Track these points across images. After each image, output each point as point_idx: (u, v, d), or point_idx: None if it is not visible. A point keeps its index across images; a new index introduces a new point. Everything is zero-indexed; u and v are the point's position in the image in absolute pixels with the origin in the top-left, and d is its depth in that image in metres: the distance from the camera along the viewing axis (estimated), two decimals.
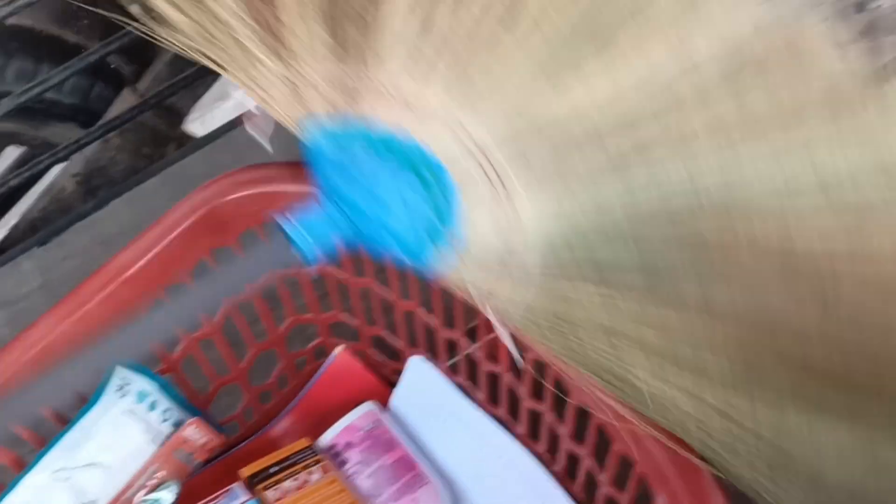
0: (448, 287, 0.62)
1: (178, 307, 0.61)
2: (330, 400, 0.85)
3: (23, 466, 0.71)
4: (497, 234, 0.59)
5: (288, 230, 0.62)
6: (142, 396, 0.74)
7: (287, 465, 0.79)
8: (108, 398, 0.73)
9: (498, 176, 0.59)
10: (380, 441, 0.81)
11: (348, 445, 0.81)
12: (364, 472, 0.80)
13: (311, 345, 0.87)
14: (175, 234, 0.74)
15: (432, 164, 0.61)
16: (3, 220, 1.13)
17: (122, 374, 0.73)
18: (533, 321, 0.59)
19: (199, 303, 0.64)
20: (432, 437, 0.82)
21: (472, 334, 0.75)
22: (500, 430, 0.77)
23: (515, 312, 0.59)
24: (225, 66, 0.64)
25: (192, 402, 0.79)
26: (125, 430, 0.73)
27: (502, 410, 0.78)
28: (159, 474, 0.76)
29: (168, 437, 0.77)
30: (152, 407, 0.75)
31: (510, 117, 0.57)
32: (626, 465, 0.65)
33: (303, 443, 0.81)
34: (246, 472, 0.78)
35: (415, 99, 0.62)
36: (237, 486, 0.77)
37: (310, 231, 0.62)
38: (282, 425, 0.85)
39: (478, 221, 0.60)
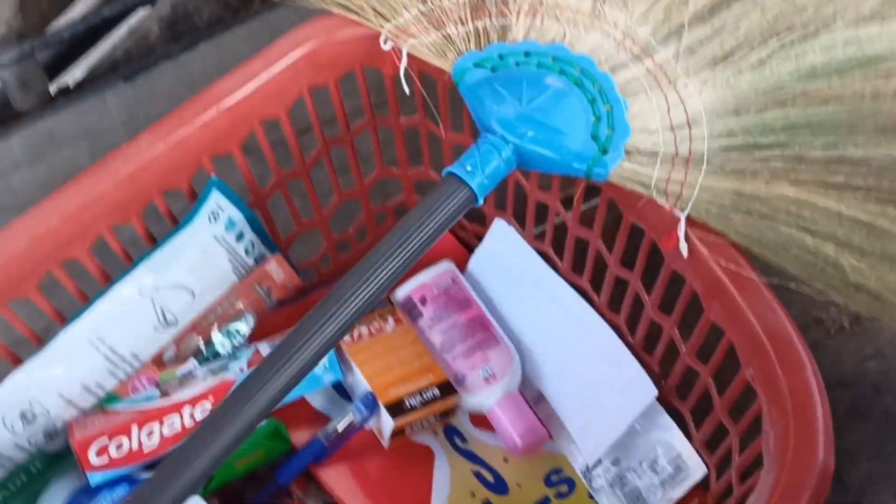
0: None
1: None
2: None
3: (109, 280, 0.72)
4: (663, 124, 0.60)
5: (457, 172, 0.62)
6: (231, 225, 0.75)
7: None
8: (200, 221, 0.73)
9: (661, 69, 0.62)
10: (455, 299, 0.82)
11: (423, 300, 0.81)
12: (437, 328, 0.80)
13: (393, 200, 0.87)
14: (278, 66, 0.73)
15: (596, 72, 0.63)
16: (87, 56, 1.13)
17: (216, 199, 0.73)
18: (709, 202, 0.59)
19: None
20: (508, 302, 0.82)
21: (567, 203, 0.75)
22: (580, 298, 0.77)
23: (690, 197, 0.60)
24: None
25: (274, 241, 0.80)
26: (212, 256, 0.74)
27: (584, 279, 0.78)
28: (238, 305, 0.77)
29: (251, 269, 0.77)
30: (239, 237, 0.76)
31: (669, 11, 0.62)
32: (715, 333, 0.64)
33: None
34: None
35: (573, 10, 0.65)
36: None
37: (476, 168, 0.62)
38: None
39: (645, 116, 0.62)
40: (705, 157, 0.59)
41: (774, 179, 0.58)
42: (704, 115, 0.61)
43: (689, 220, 0.60)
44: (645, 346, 0.75)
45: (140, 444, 0.69)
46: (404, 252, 0.60)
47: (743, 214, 0.59)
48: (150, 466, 0.71)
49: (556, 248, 0.79)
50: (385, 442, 0.76)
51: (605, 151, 0.62)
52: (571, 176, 0.64)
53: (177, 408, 0.70)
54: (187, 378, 0.73)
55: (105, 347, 0.71)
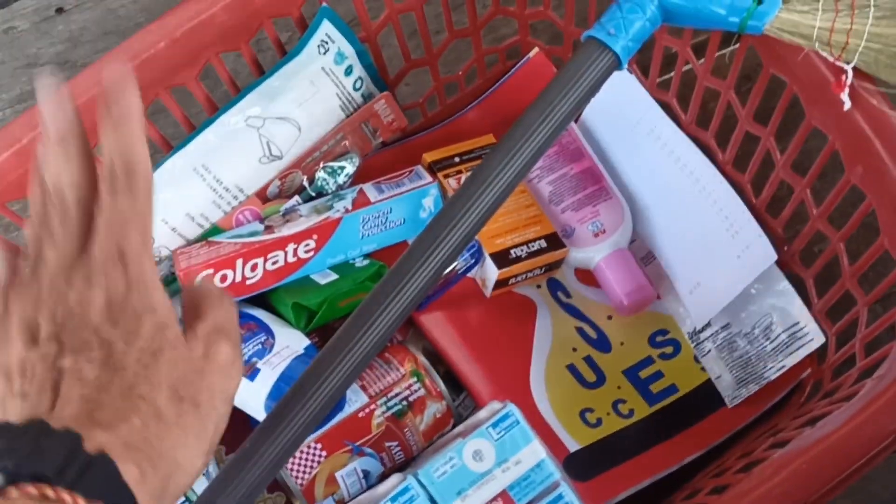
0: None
1: None
2: (518, 101, 0.81)
3: (216, 109, 0.70)
4: None
5: (598, 36, 0.58)
6: (341, 57, 0.72)
7: (470, 158, 0.77)
8: (310, 51, 0.70)
9: None
10: (566, 150, 0.78)
11: None
12: (546, 178, 0.77)
13: (507, 42, 0.82)
14: None
15: None
16: None
17: (326, 29, 0.70)
18: (879, 52, 0.55)
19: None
20: (623, 155, 0.78)
21: (699, 49, 0.69)
22: (702, 154, 0.73)
23: (857, 47, 0.55)
24: None
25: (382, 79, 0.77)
26: (320, 89, 0.71)
27: (709, 135, 0.73)
28: (345, 143, 0.75)
29: (358, 106, 0.75)
30: (348, 72, 0.73)
31: None
32: (852, 197, 0.60)
33: (488, 138, 0.79)
34: (429, 157, 0.76)
35: None
36: (419, 168, 0.75)
37: (619, 31, 0.58)
38: (466, 119, 0.82)
39: None
40: (873, 1, 0.54)
41: None
42: None
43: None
44: (769, 209, 0.71)
45: (244, 277, 0.68)
46: (546, 126, 0.56)
47: None
48: (250, 300, 0.70)
49: (681, 99, 0.74)
50: (487, 292, 0.74)
51: (760, 1, 0.57)
52: (723, 30, 0.59)
53: (281, 244, 0.69)
54: (291, 215, 0.71)
55: (210, 177, 0.69)
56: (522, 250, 0.73)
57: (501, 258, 0.72)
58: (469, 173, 0.75)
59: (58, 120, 0.38)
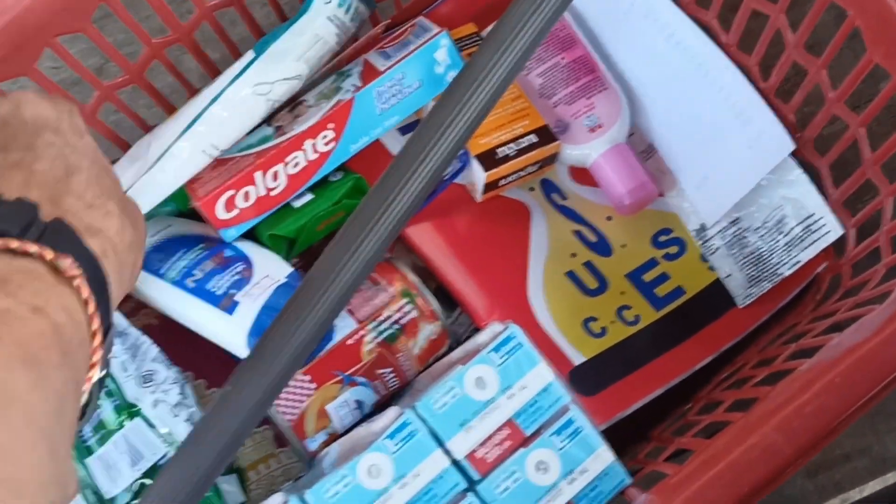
0: None
1: None
2: None
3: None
4: None
5: None
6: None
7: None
8: (317, 5, 0.63)
9: None
10: (557, 37, 0.72)
11: None
12: (536, 70, 0.71)
13: None
14: None
15: None
16: None
17: None
18: None
19: None
20: (618, 41, 0.71)
21: None
22: (705, 36, 0.67)
23: None
24: None
25: None
26: (325, 37, 0.63)
27: (711, 14, 0.67)
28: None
29: (349, 31, 0.67)
30: (348, 9, 0.65)
31: None
32: (872, 79, 0.55)
33: (470, 27, 0.72)
34: None
35: None
36: (422, 20, 0.68)
37: None
38: (444, 9, 0.75)
39: None
40: None
41: None
42: None
43: None
44: (779, 93, 0.65)
45: (268, 189, 0.63)
46: (537, 18, 0.49)
47: None
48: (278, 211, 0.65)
49: None
50: (477, 196, 0.69)
51: None
52: None
53: (297, 143, 0.62)
54: (298, 108, 0.65)
55: (217, 152, 0.63)
56: (511, 148, 0.67)
57: (488, 159, 0.67)
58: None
59: None
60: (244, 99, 0.62)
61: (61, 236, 0.37)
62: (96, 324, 0.37)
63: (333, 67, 0.69)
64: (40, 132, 0.42)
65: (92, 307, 0.37)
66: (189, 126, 0.61)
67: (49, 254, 0.35)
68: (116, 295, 0.40)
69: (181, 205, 0.67)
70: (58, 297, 0.35)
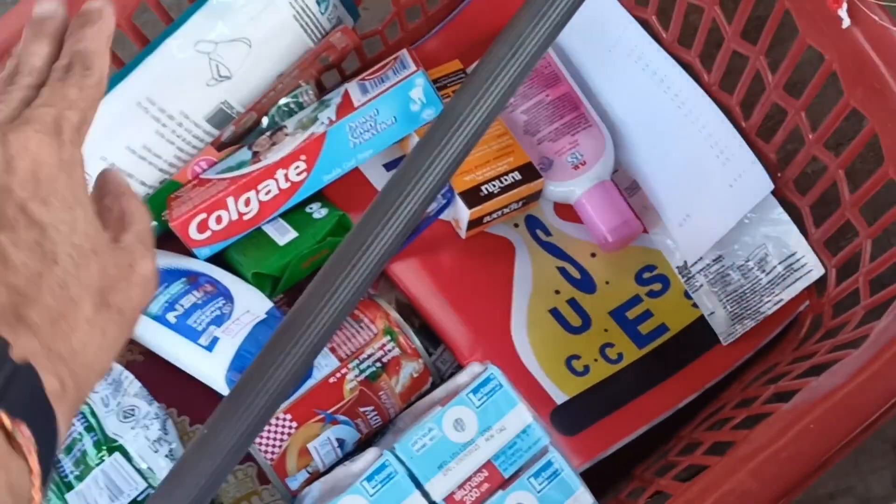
0: None
1: None
2: (483, 25, 0.75)
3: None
4: None
5: None
6: None
7: (440, 86, 0.71)
8: None
9: None
10: (541, 74, 0.72)
11: None
12: (521, 107, 0.71)
13: None
14: None
15: None
16: None
17: None
18: None
19: None
20: (603, 79, 0.72)
21: None
22: (687, 76, 0.67)
23: None
24: None
25: None
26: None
27: (693, 54, 0.67)
28: (294, 73, 0.68)
29: (323, 30, 0.68)
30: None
31: None
32: (852, 120, 0.55)
33: (455, 64, 0.72)
34: None
35: None
36: (404, 55, 0.69)
37: None
38: (430, 45, 0.76)
39: None
40: None
41: None
42: None
43: None
44: (760, 133, 0.65)
45: (240, 214, 0.65)
46: (518, 58, 0.49)
47: None
48: (210, 258, 0.66)
49: (662, 17, 0.68)
50: (462, 233, 0.69)
51: None
52: None
53: (269, 172, 0.64)
54: (276, 135, 0.67)
55: (154, 108, 0.63)
56: (494, 185, 0.67)
57: (472, 196, 0.67)
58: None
59: (42, 5, 0.40)
60: (184, 55, 0.63)
61: (23, 391, 0.32)
62: (37, 497, 0.32)
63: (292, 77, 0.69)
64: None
65: (38, 482, 0.32)
66: (120, 77, 0.62)
67: (7, 421, 0.30)
68: (63, 439, 0.36)
69: (161, 225, 0.68)
70: (6, 472, 0.31)
